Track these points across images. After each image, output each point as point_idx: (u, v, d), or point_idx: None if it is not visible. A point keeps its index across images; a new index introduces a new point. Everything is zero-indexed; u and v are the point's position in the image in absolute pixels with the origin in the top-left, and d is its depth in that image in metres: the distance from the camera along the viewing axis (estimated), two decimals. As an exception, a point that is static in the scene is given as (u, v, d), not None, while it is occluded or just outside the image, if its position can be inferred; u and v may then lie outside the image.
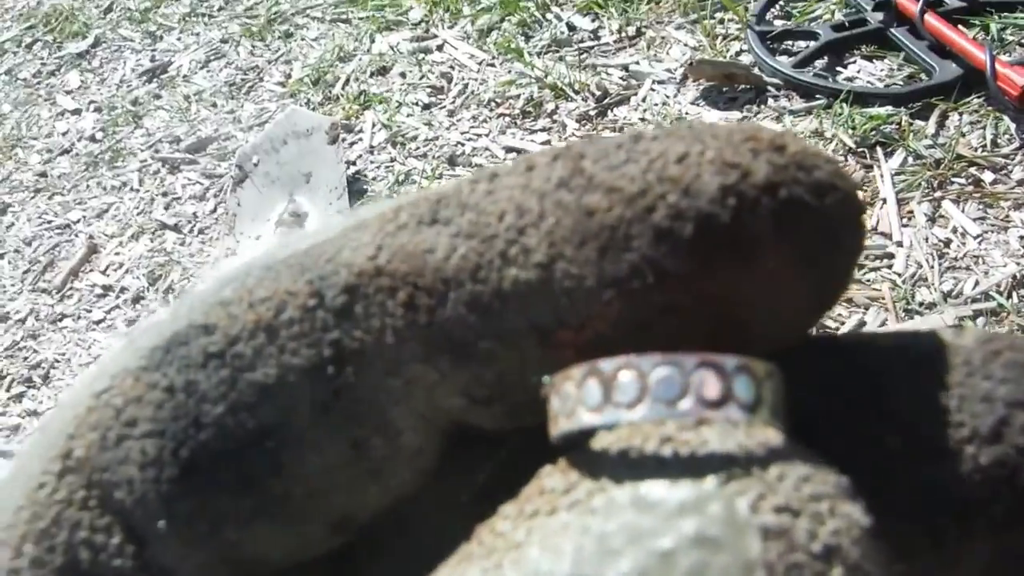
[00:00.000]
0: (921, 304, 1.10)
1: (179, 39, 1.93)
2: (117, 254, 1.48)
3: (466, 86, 1.54)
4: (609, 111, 1.42)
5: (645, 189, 0.14)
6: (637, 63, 1.49)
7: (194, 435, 0.15)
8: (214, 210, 1.50)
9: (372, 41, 1.72)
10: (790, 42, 1.46)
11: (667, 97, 1.42)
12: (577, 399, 0.13)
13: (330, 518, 0.16)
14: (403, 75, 1.61)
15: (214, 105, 1.71)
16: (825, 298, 0.15)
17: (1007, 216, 1.17)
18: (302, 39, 1.80)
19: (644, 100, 1.43)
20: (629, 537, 0.12)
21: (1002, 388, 0.15)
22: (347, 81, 1.64)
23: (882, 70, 1.37)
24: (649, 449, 0.13)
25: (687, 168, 0.14)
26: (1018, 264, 1.12)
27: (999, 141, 1.24)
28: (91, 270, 1.47)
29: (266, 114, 1.64)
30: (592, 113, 1.42)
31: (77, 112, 1.82)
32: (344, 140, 1.48)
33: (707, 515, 0.12)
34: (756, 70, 1.40)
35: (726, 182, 0.14)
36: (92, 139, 1.73)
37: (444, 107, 1.51)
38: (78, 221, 1.57)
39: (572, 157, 0.15)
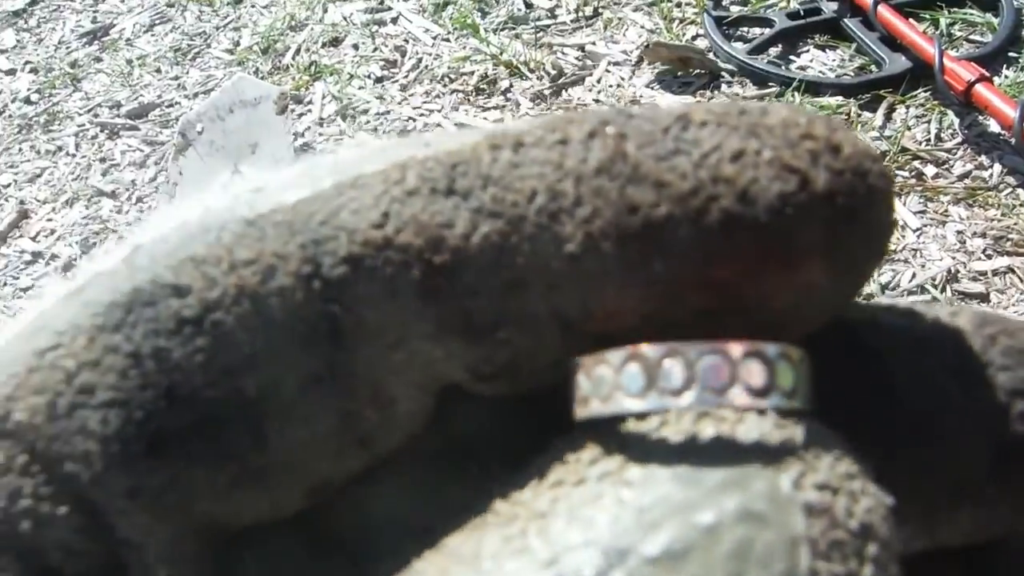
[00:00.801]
0: (859, 295, 1.12)
1: (123, 1, 1.86)
2: (49, 220, 1.43)
3: (420, 61, 1.51)
4: (564, 91, 1.41)
5: (697, 188, 0.13)
6: (593, 43, 1.48)
7: (165, 407, 0.14)
8: (154, 178, 1.45)
9: (325, 11, 1.68)
10: (746, 28, 1.46)
11: (622, 79, 1.42)
12: (614, 383, 0.13)
13: (310, 484, 0.15)
14: (356, 47, 1.58)
15: (158, 70, 1.66)
16: (852, 297, 0.15)
17: (946, 211, 1.20)
18: (252, 6, 1.75)
19: (599, 81, 1.42)
20: (670, 510, 0.11)
21: (1002, 375, 0.15)
22: (298, 51, 1.60)
23: (834, 60, 1.39)
24: (686, 427, 0.12)
25: (743, 168, 0.13)
26: (953, 259, 1.15)
27: (943, 136, 1.26)
28: (20, 236, 1.42)
29: (212, 81, 1.60)
30: (546, 92, 1.41)
31: (11, 72, 1.75)
32: (293, 111, 1.45)
33: (751, 491, 0.12)
34: (711, 55, 1.40)
35: (785, 190, 0.13)
36: (27, 101, 1.67)
37: (397, 81, 1.49)
38: (8, 185, 1.51)
39: (613, 137, 0.14)
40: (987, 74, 1.19)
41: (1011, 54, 1.35)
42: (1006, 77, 1.32)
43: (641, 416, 0.13)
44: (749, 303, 0.13)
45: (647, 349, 0.13)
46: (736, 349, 0.13)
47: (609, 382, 0.13)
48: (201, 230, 0.14)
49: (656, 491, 0.12)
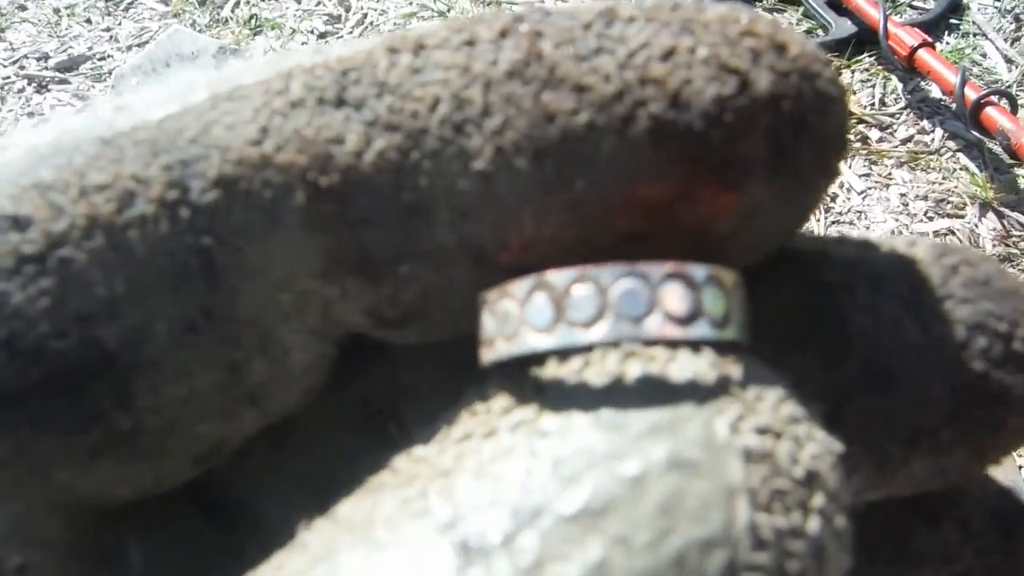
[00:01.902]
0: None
1: (48, -55, 1.76)
2: (-25, 179, 1.36)
3: (365, 16, 1.47)
4: (513, 50, 1.39)
5: (622, 91, 0.11)
6: (543, 1, 1.46)
7: (5, 362, 0.12)
8: (87, 135, 1.39)
9: (265, -39, 1.61)
10: (695, -10, 1.46)
11: (572, 39, 1.40)
12: (520, 319, 0.11)
13: (195, 450, 0.13)
14: (298, 0, 1.53)
15: (88, 21, 1.58)
16: (801, 221, 0.13)
17: (890, 174, 1.22)
18: (188, -46, 1.67)
19: (549, 41, 1.40)
20: (589, 461, 0.10)
21: (962, 309, 0.14)
22: (237, 3, 1.54)
23: (782, 23, 1.39)
24: (610, 368, 0.11)
25: (675, 68, 0.11)
26: (896, 220, 1.17)
27: (887, 100, 1.28)
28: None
29: (147, 34, 1.53)
30: (496, 51, 1.39)
31: (-72, 20, 1.65)
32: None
33: (682, 437, 0.10)
34: None
35: (722, 92, 0.11)
36: (-54, 51, 1.57)
37: (341, 36, 1.44)
38: (-71, 141, 1.43)
39: (527, 35, 0.12)
40: (930, 40, 1.21)
41: (953, 21, 1.37)
42: (947, 43, 1.34)
43: (562, 358, 0.11)
44: (684, 227, 0.12)
45: (554, 276, 0.11)
46: (655, 271, 0.11)
47: (514, 318, 0.11)
48: (52, 152, 0.12)
49: (575, 441, 0.10)
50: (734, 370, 0.11)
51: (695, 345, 0.11)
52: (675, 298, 0.11)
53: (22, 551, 0.13)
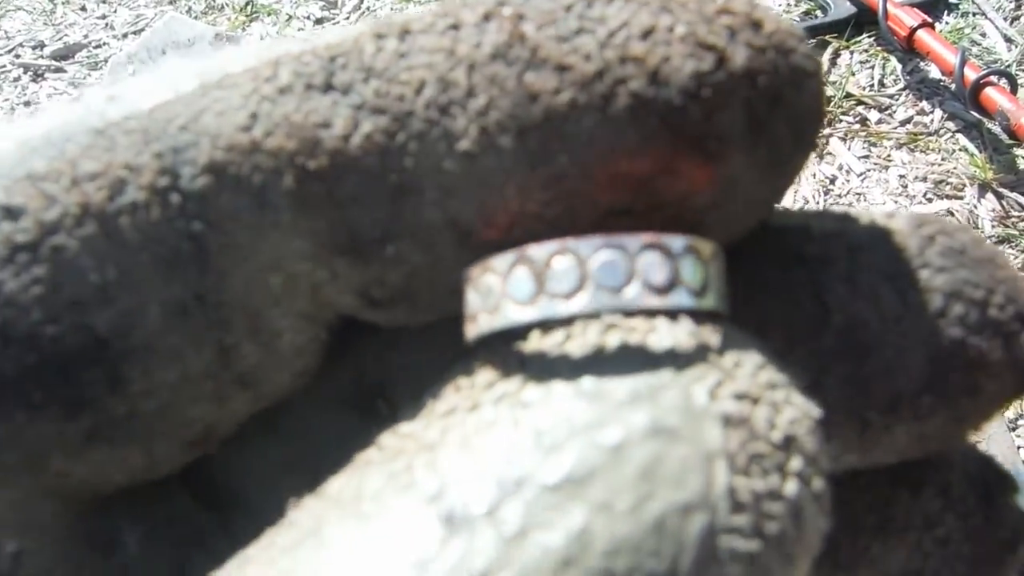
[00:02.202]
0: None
1: (42, -67, 1.75)
2: (-27, 168, 1.36)
3: (361, 2, 1.46)
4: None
5: (602, 70, 0.12)
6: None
7: None
8: (84, 123, 1.39)
9: (260, -53, 1.60)
10: (693, -28, 1.45)
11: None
12: (502, 292, 0.12)
13: (187, 434, 0.13)
14: (294, -14, 1.52)
15: (83, 9, 1.57)
16: (779, 194, 0.13)
17: (889, 155, 1.22)
18: (183, -60, 1.67)
19: (546, 25, 1.39)
20: (571, 430, 0.10)
21: (939, 278, 0.14)
22: (233, -11, 1.53)
23: (780, 4, 1.39)
24: (591, 339, 0.11)
25: (654, 46, 0.12)
26: (896, 202, 1.17)
27: (886, 81, 1.28)
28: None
29: (143, 21, 1.52)
30: (493, 36, 1.38)
31: (-77, 9, 1.64)
32: (229, 53, 1.39)
33: (661, 404, 0.10)
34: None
35: (700, 68, 0.12)
36: (-59, 40, 1.57)
37: (337, 23, 1.44)
38: (-74, 131, 1.42)
39: (510, 18, 0.12)
40: (929, 20, 1.20)
41: (952, 1, 1.36)
42: (947, 24, 1.34)
43: (544, 331, 0.11)
44: (665, 201, 0.12)
45: (534, 249, 0.11)
46: (633, 241, 0.11)
47: (496, 291, 0.12)
48: (44, 143, 0.12)
49: (556, 411, 0.10)
50: (712, 338, 0.11)
51: (673, 314, 0.11)
52: (653, 268, 0.11)
53: (18, 537, 0.13)
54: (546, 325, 0.11)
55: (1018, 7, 1.34)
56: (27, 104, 1.43)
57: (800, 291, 0.14)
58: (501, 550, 0.10)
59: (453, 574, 0.09)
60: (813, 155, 1.22)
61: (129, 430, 0.13)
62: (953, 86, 1.15)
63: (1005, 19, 1.33)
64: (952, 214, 1.16)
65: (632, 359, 0.11)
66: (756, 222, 0.14)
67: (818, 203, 1.17)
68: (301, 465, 0.14)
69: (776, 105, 0.12)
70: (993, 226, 1.15)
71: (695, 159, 0.12)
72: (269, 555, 0.11)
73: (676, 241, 0.11)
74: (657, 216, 0.12)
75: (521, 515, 0.10)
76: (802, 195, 1.18)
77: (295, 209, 0.12)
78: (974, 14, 1.34)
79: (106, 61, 1.43)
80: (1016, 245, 1.10)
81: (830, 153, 1.22)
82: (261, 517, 0.13)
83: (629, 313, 0.11)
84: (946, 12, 1.35)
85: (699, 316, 0.11)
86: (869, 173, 1.20)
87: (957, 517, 0.16)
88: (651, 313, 0.11)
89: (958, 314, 0.14)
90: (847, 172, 1.21)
